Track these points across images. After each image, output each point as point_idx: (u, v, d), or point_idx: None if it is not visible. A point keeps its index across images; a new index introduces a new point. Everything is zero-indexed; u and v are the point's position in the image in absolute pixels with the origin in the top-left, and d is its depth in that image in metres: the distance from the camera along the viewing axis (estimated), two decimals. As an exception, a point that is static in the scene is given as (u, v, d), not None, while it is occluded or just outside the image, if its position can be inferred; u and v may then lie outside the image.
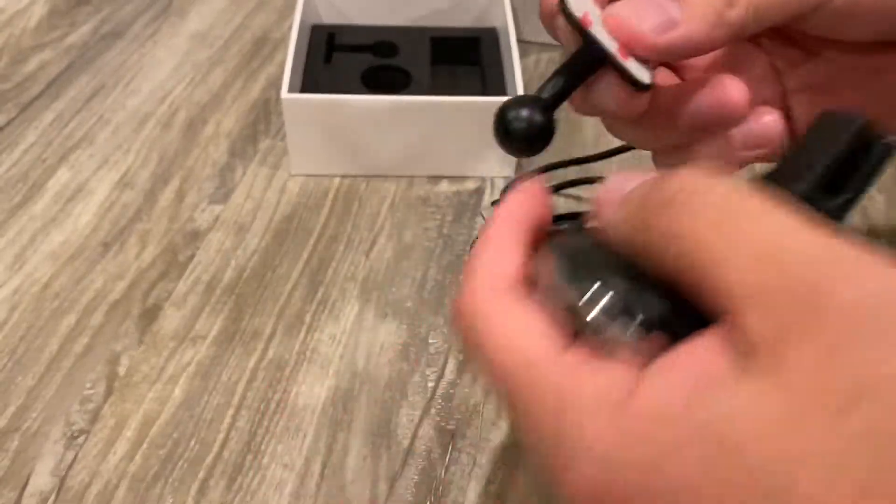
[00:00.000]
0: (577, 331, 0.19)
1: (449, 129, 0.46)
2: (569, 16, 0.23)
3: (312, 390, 0.37)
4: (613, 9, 0.24)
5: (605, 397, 0.17)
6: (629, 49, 0.24)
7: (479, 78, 0.52)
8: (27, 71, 0.56)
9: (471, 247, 0.22)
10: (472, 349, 0.20)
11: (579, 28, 0.23)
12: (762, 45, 0.28)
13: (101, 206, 0.46)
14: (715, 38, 0.24)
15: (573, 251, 0.20)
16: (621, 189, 0.20)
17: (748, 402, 0.15)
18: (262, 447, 0.35)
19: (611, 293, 0.18)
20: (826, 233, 0.16)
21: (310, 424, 0.36)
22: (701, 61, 0.28)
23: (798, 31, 0.26)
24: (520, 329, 0.19)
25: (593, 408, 0.18)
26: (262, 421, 0.36)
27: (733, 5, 0.24)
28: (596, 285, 0.18)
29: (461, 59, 0.54)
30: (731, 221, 0.16)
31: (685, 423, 0.16)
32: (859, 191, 0.19)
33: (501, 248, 0.21)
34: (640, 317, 0.18)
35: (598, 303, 0.18)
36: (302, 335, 0.39)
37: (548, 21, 0.26)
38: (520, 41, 0.53)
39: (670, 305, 0.18)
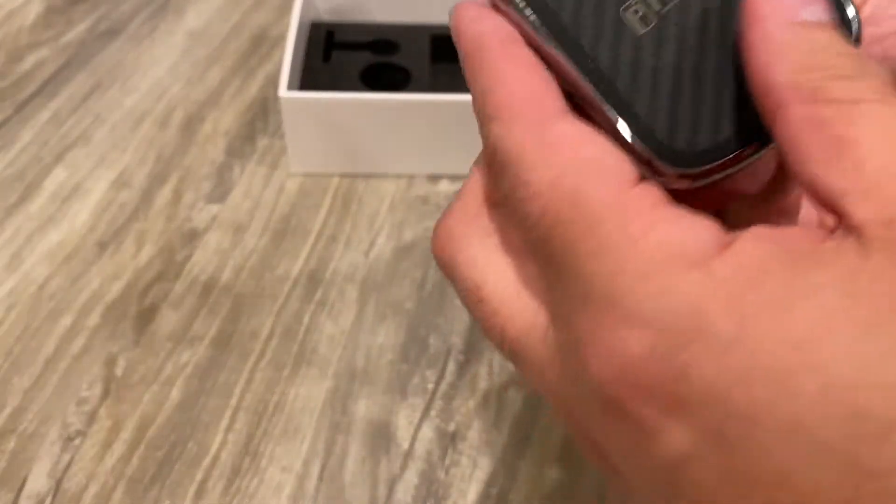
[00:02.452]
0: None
1: (449, 128, 0.46)
2: None
3: (311, 392, 0.37)
4: None
5: (679, 254, 0.15)
6: None
7: (479, 76, 0.52)
8: (23, 69, 0.55)
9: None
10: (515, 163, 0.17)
11: None
12: None
13: (97, 205, 0.46)
14: None
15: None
16: None
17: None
18: (260, 449, 0.35)
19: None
20: None
21: (308, 426, 0.35)
22: None
23: None
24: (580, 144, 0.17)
25: (665, 259, 0.15)
26: (260, 423, 0.36)
27: None
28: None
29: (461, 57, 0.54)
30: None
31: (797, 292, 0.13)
32: None
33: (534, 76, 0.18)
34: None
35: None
36: (300, 336, 0.39)
37: None
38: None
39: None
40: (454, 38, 0.20)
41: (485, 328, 0.19)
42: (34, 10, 0.61)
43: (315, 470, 0.34)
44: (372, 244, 0.44)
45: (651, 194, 0.16)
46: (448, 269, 0.20)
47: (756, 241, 0.15)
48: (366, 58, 0.51)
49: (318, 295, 0.41)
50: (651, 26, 0.18)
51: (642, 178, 0.17)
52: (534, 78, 0.18)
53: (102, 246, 0.43)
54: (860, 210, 0.14)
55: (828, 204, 0.15)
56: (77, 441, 0.35)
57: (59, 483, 0.33)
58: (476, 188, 0.20)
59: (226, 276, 0.42)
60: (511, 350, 0.18)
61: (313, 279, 0.42)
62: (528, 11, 0.19)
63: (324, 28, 0.54)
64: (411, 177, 0.48)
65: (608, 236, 0.15)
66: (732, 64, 0.18)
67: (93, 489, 0.33)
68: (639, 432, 0.15)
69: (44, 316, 0.40)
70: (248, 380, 0.37)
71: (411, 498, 0.33)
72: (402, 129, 0.46)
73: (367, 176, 0.48)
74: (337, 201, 0.46)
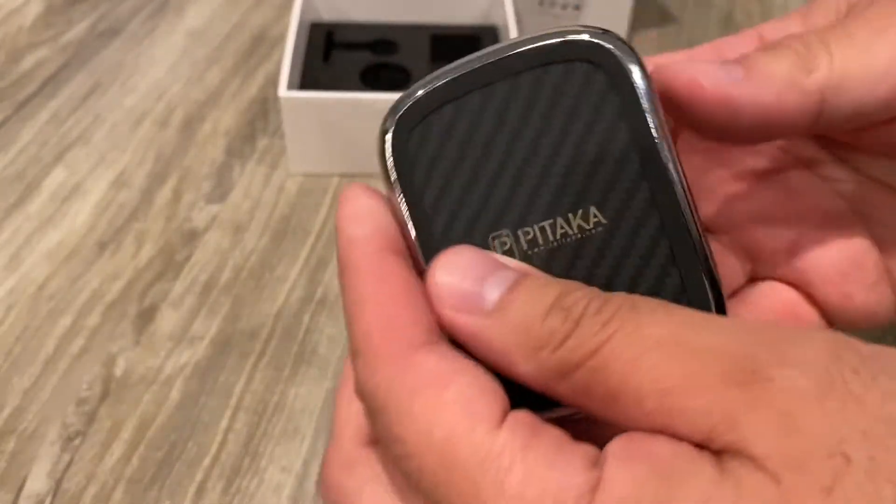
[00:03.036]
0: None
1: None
2: None
3: (311, 392, 0.37)
4: (660, 59, 0.21)
5: (563, 498, 0.15)
6: (679, 103, 0.19)
7: (479, 76, 0.52)
8: (23, 69, 0.55)
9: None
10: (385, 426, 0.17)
11: None
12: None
13: (97, 205, 0.46)
14: (785, 105, 0.19)
15: None
16: None
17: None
18: (260, 449, 0.35)
19: None
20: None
21: (308, 426, 0.35)
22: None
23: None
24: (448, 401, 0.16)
25: None
26: (259, 423, 0.35)
27: (812, 70, 0.19)
28: None
29: (461, 57, 0.53)
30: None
31: None
32: None
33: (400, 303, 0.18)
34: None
35: None
36: (300, 336, 0.39)
37: None
38: (520, 39, 0.52)
39: None
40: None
41: None
42: (34, 9, 0.61)
43: (315, 470, 0.34)
44: (372, 244, 0.44)
45: (521, 433, 0.16)
46: None
47: (623, 465, 0.15)
48: (366, 58, 0.51)
49: (317, 295, 0.41)
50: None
51: (511, 409, 0.16)
52: (398, 301, 0.17)
53: (102, 246, 0.43)
54: (690, 432, 0.15)
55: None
56: (77, 441, 0.35)
57: (58, 483, 0.33)
58: (351, 426, 0.19)
59: (226, 276, 0.42)
60: None
61: (313, 279, 0.42)
62: (406, 216, 0.19)
63: (324, 28, 0.54)
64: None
65: (486, 496, 0.15)
66: None
67: (92, 489, 0.33)
68: None
69: (43, 316, 0.40)
70: (247, 380, 0.37)
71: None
72: (401, 129, 0.46)
73: (367, 176, 0.48)
74: (337, 201, 0.46)
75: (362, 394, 0.17)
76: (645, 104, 0.17)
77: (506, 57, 0.17)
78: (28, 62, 0.56)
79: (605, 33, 0.17)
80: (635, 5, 0.55)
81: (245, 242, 0.44)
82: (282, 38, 0.59)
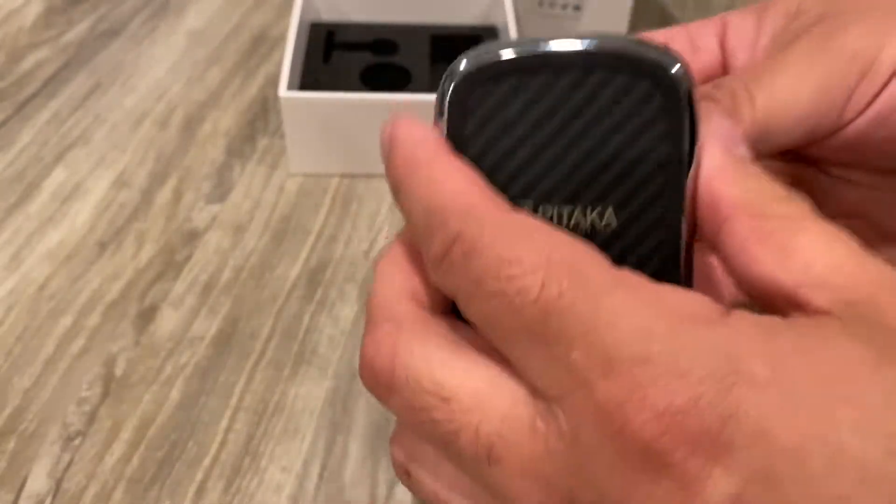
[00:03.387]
0: None
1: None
2: None
3: (311, 392, 0.37)
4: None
5: (696, 314, 0.16)
6: None
7: (479, 76, 0.52)
8: (23, 69, 0.55)
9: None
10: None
11: None
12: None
13: (97, 205, 0.46)
14: None
15: None
16: None
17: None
18: (261, 449, 0.35)
19: None
20: None
21: (308, 426, 0.35)
22: None
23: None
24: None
25: (687, 318, 0.16)
26: (260, 423, 0.36)
27: (738, 123, 0.21)
28: None
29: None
30: None
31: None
32: None
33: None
34: None
35: None
36: (300, 336, 0.39)
37: None
38: (520, 39, 0.52)
39: None
40: (383, 156, 0.20)
41: (450, 432, 0.17)
42: (34, 10, 0.61)
43: (315, 470, 0.34)
44: (372, 244, 0.44)
45: (636, 274, 0.17)
46: (394, 380, 0.18)
47: (747, 313, 0.16)
48: (366, 58, 0.51)
49: (318, 295, 0.41)
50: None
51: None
52: (479, 180, 0.18)
53: (102, 246, 0.43)
54: (819, 297, 0.16)
55: (780, 296, 0.17)
56: (77, 441, 0.35)
57: (59, 483, 0.33)
58: (395, 288, 0.20)
59: (226, 276, 0.42)
60: (489, 448, 0.17)
61: (313, 279, 0.42)
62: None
63: (324, 28, 0.54)
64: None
65: (623, 302, 0.16)
66: None
67: (93, 489, 0.33)
68: (683, 486, 0.15)
69: (44, 316, 0.40)
70: (248, 380, 0.37)
71: (411, 498, 0.33)
72: (402, 129, 0.46)
73: (367, 176, 0.48)
74: (337, 201, 0.46)
75: (458, 240, 0.17)
76: (685, 138, 0.19)
77: (587, 52, 0.19)
78: (28, 62, 0.56)
79: (677, 63, 0.19)
80: (635, 5, 0.55)
81: (245, 242, 0.44)
82: (282, 38, 0.59)
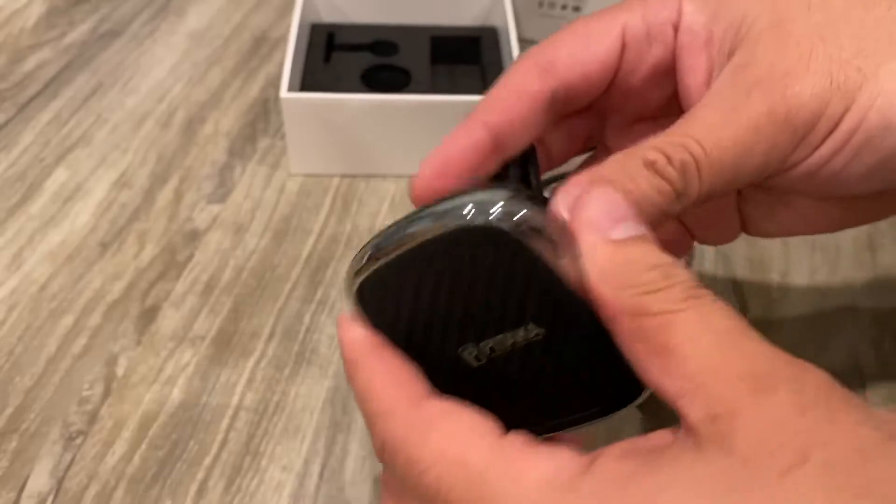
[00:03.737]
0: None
1: (449, 129, 0.46)
2: None
3: (311, 391, 0.37)
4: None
5: (553, 481, 0.18)
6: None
7: (480, 77, 0.52)
8: (25, 70, 0.55)
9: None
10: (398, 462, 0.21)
11: None
12: None
13: (99, 205, 0.46)
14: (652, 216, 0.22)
15: None
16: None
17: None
18: (261, 449, 0.35)
19: None
20: None
21: (309, 426, 0.36)
22: None
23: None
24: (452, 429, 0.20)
25: (544, 488, 0.18)
26: (260, 422, 0.36)
27: (682, 201, 0.22)
28: None
29: (461, 58, 0.54)
30: None
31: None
32: None
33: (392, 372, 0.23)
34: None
35: None
36: (301, 336, 0.39)
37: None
38: (521, 40, 0.52)
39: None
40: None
41: None
42: (36, 10, 0.61)
43: (315, 469, 0.34)
44: (372, 244, 0.44)
45: (517, 438, 0.20)
46: None
47: (614, 455, 0.18)
48: (366, 59, 0.51)
49: (318, 295, 0.41)
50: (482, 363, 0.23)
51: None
52: (399, 374, 0.22)
53: (104, 246, 0.44)
54: (692, 411, 0.17)
55: (672, 406, 0.18)
56: (78, 440, 0.35)
57: (60, 482, 0.33)
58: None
59: (227, 275, 0.42)
60: None
61: (314, 279, 0.42)
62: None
63: (324, 29, 0.54)
64: (411, 177, 0.48)
65: (497, 483, 0.19)
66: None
67: (94, 488, 0.33)
68: None
69: (45, 316, 0.40)
70: (248, 379, 0.37)
71: (411, 497, 0.33)
72: (402, 129, 0.46)
73: (368, 176, 0.48)
74: (337, 202, 0.47)
75: (385, 443, 0.21)
76: (543, 258, 0.21)
77: (433, 239, 0.22)
78: (30, 63, 0.56)
79: (494, 209, 0.21)
80: (635, 6, 0.56)
81: (246, 242, 0.44)
82: (283, 39, 0.59)
